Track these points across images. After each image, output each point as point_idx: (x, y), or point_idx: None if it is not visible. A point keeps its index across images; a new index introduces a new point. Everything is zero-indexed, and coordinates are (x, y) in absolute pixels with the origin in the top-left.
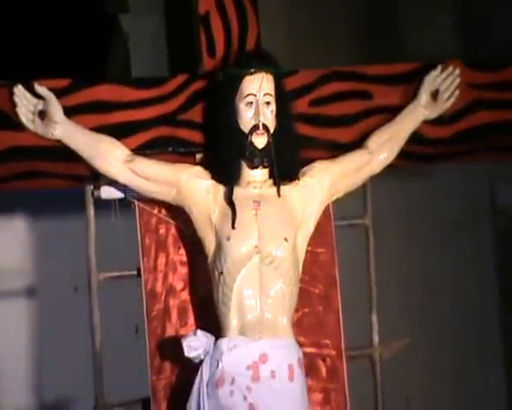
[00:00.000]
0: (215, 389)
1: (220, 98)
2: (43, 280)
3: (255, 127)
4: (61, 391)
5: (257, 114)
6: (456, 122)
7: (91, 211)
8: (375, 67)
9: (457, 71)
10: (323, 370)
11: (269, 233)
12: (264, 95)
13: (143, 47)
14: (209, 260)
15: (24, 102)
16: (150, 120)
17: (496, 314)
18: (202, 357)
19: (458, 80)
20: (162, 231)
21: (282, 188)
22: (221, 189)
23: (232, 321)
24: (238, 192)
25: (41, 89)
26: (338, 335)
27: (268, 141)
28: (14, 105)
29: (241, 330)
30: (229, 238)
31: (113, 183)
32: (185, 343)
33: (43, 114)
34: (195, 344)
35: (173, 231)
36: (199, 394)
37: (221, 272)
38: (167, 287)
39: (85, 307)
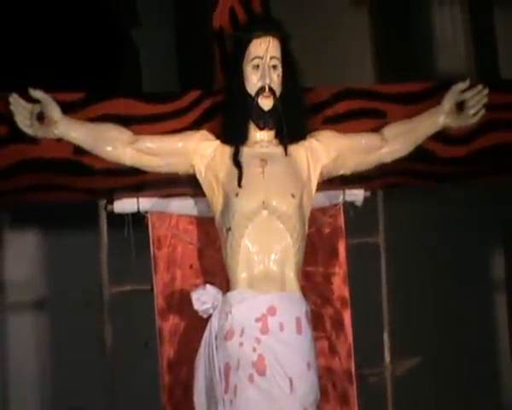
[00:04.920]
0: (224, 341)
1: (228, 62)
2: (54, 294)
3: (261, 90)
4: (71, 405)
5: (263, 76)
6: (471, 142)
7: (104, 225)
8: (389, 86)
9: (486, 91)
10: (333, 395)
11: (276, 189)
12: (271, 58)
13: (154, 61)
14: (216, 218)
15: (20, 110)
16: None
17: (509, 332)
18: (211, 311)
19: (485, 100)
20: (174, 247)
21: (289, 147)
22: (227, 148)
23: (241, 274)
24: (245, 151)
25: (35, 92)
26: (349, 360)
27: (274, 104)
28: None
29: (250, 283)
30: (237, 195)
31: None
32: (195, 297)
33: (42, 118)
34: (204, 298)
35: (185, 247)
36: (208, 347)
37: (229, 228)
38: (178, 303)
39: (97, 321)
